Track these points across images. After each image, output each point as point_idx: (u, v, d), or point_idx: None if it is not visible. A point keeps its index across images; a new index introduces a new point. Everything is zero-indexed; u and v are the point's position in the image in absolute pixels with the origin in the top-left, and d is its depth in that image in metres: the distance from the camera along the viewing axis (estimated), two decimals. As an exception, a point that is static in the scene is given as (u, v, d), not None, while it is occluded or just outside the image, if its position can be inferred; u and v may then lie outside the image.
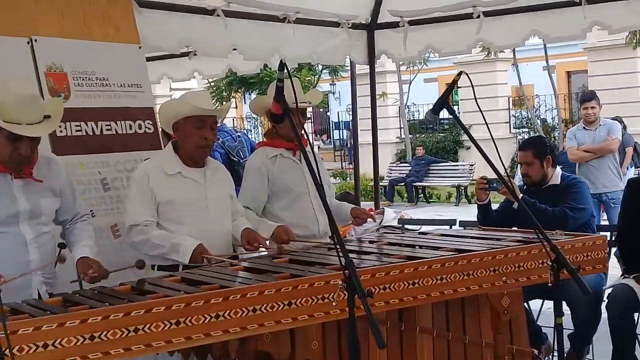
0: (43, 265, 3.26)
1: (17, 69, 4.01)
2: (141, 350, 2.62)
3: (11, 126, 3.06)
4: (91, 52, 4.41)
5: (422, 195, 18.19)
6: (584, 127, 7.55)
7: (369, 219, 4.50)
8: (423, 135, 23.53)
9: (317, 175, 2.76)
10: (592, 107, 7.49)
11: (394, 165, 20.05)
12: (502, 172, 3.38)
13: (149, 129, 4.64)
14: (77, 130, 4.24)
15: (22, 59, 4.08)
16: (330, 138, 31.19)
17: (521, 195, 4.52)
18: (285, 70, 2.91)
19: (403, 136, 22.58)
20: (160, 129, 4.71)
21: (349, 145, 28.02)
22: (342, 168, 24.65)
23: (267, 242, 3.93)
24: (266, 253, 3.77)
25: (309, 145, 3.90)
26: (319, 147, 27.24)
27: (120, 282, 3.21)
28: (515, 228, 4.54)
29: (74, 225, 3.55)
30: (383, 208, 7.58)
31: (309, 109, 4.46)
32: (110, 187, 4.35)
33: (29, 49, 4.12)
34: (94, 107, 4.33)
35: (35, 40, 4.14)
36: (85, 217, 3.62)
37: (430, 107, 3.50)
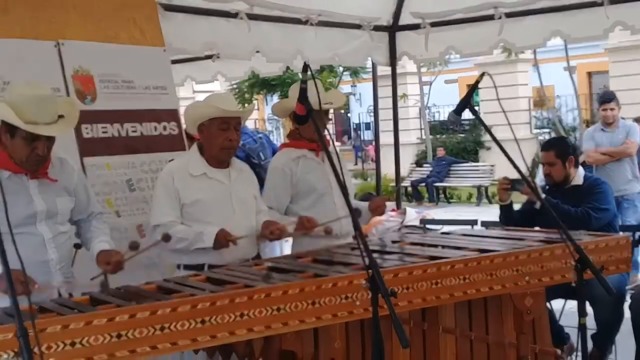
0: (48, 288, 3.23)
1: (44, 72, 4.08)
2: (167, 349, 2.65)
3: (29, 126, 3.10)
4: (117, 55, 4.47)
5: (442, 195, 18.15)
6: (602, 129, 7.33)
7: (390, 217, 4.50)
8: (444, 136, 23.47)
9: (341, 175, 2.79)
10: (612, 109, 7.25)
11: (415, 166, 20.03)
12: (524, 172, 3.38)
13: (174, 130, 4.69)
14: (103, 132, 4.30)
15: (49, 62, 4.15)
16: (351, 139, 31.19)
17: (543, 195, 4.51)
18: (309, 72, 2.94)
19: (424, 137, 22.54)
20: (184, 131, 4.76)
21: (356, 144, 27.93)
22: (363, 169, 24.65)
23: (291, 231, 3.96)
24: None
25: (332, 146, 3.92)
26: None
27: (146, 281, 3.25)
28: (538, 228, 4.53)
29: (89, 223, 3.58)
30: (405, 208, 7.59)
31: (330, 111, 4.48)
32: (136, 188, 4.40)
33: (56, 52, 4.19)
34: (120, 109, 4.39)
35: (63, 44, 4.21)
36: (99, 216, 3.65)
37: (451, 108, 3.51)
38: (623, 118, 7.63)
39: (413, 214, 6.98)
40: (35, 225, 3.27)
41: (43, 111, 3.13)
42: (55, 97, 3.27)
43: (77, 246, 3.51)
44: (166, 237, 3.43)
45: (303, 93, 2.98)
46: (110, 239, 3.58)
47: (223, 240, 3.61)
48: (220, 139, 3.74)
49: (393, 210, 7.48)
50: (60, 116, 3.21)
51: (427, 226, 5.94)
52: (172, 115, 4.68)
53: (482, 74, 3.26)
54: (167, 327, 2.62)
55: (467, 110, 3.43)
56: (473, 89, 3.43)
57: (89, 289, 3.13)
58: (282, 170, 4.22)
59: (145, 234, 4.15)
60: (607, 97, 7.45)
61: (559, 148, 4.88)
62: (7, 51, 3.99)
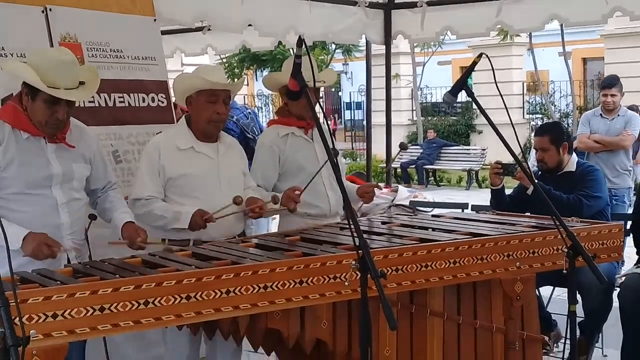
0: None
1: (32, 38, 4.00)
2: (150, 324, 2.61)
3: (51, 90, 3.11)
4: (106, 23, 4.39)
5: (432, 178, 18.15)
6: (600, 115, 6.75)
7: (381, 195, 4.45)
8: (435, 119, 23.46)
9: (332, 153, 2.73)
10: (613, 95, 6.64)
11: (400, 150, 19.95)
12: (519, 156, 3.34)
13: (162, 102, 4.62)
14: (90, 102, 4.22)
15: (36, 27, 4.07)
16: (341, 118, 31.12)
17: (536, 181, 4.47)
18: (304, 47, 2.86)
19: (415, 119, 22.51)
20: (173, 103, 4.68)
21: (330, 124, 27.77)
22: (353, 149, 24.61)
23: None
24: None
25: (325, 124, 3.86)
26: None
27: (131, 254, 3.20)
28: (528, 214, 4.50)
29: (106, 193, 3.61)
30: (397, 186, 7.55)
31: (322, 89, 4.41)
32: (122, 160, 4.35)
33: (43, 18, 4.11)
34: (108, 78, 4.30)
35: (50, 10, 4.12)
36: (115, 186, 3.68)
37: (444, 90, 3.46)
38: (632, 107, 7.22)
39: (405, 193, 6.93)
40: (50, 188, 3.29)
41: (65, 76, 3.15)
42: (77, 63, 3.27)
43: (93, 217, 3.49)
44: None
45: (297, 68, 2.92)
46: None
47: (199, 220, 3.54)
48: (209, 112, 3.67)
49: (386, 187, 7.44)
50: (81, 83, 3.24)
51: (417, 208, 5.89)
52: (161, 86, 4.61)
53: (480, 55, 3.19)
54: (152, 301, 2.58)
55: (461, 92, 3.38)
56: (470, 70, 3.37)
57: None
58: (270, 147, 4.15)
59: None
60: (609, 82, 6.85)
61: (554, 134, 4.84)
62: (-6, 15, 3.90)
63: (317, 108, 3.30)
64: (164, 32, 5.49)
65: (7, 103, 3.37)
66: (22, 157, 3.21)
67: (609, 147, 6.60)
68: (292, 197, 3.84)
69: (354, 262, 2.55)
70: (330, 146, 2.75)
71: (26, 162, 3.22)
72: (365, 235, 3.28)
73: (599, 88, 7.10)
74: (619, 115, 6.67)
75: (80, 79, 3.24)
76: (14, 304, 2.04)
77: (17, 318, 2.01)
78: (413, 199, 6.75)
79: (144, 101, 4.53)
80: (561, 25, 11.27)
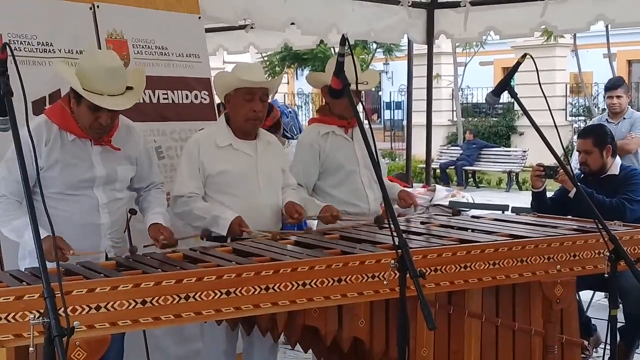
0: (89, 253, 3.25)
1: (79, 34, 4.07)
2: (191, 318, 2.65)
3: (92, 96, 3.13)
4: (152, 21, 4.45)
5: (471, 179, 18.01)
6: (606, 120, 6.33)
7: (419, 195, 4.43)
8: (476, 119, 23.26)
9: (375, 152, 2.73)
10: (618, 96, 6.27)
11: (445, 148, 19.87)
12: (561, 158, 3.31)
13: (205, 99, 4.66)
14: (134, 98, 4.27)
15: (84, 24, 4.13)
16: (380, 118, 31.03)
17: (578, 184, 4.42)
18: (347, 45, 2.87)
19: (455, 119, 22.35)
20: (215, 100, 4.73)
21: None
22: (392, 149, 24.53)
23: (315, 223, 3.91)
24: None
25: (367, 123, 3.87)
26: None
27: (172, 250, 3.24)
28: (570, 217, 4.45)
29: (148, 192, 3.63)
30: (435, 186, 7.51)
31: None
32: (165, 156, 4.40)
33: (90, 14, 4.17)
34: (152, 75, 4.36)
35: (98, 7, 4.19)
36: (160, 186, 3.70)
37: (486, 91, 3.45)
38: None
39: (443, 192, 6.88)
40: (92, 189, 3.32)
41: (111, 83, 3.16)
42: (124, 69, 3.28)
43: (132, 211, 3.55)
44: (205, 234, 3.52)
45: (340, 66, 2.92)
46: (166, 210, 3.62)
47: (237, 228, 3.56)
48: (245, 110, 3.70)
49: (423, 186, 7.41)
50: (129, 87, 3.25)
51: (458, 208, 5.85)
52: (204, 84, 4.65)
53: (524, 55, 3.18)
54: (192, 296, 2.61)
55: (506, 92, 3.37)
56: (513, 71, 3.34)
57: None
58: (310, 145, 4.17)
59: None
60: (614, 83, 6.50)
61: (597, 136, 4.78)
62: (44, 12, 3.98)
63: (359, 107, 3.33)
64: (207, 30, 5.54)
65: (56, 102, 3.41)
66: (66, 159, 3.24)
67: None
68: (328, 219, 3.84)
69: (393, 262, 2.55)
70: (372, 146, 2.76)
71: (70, 164, 3.25)
72: (404, 235, 3.30)
73: (604, 92, 6.53)
74: (624, 118, 6.32)
75: (127, 84, 3.24)
76: (59, 295, 2.08)
77: (62, 309, 2.04)
78: (452, 198, 6.70)
79: (187, 98, 4.58)
80: (606, 27, 11.09)
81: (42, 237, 2.97)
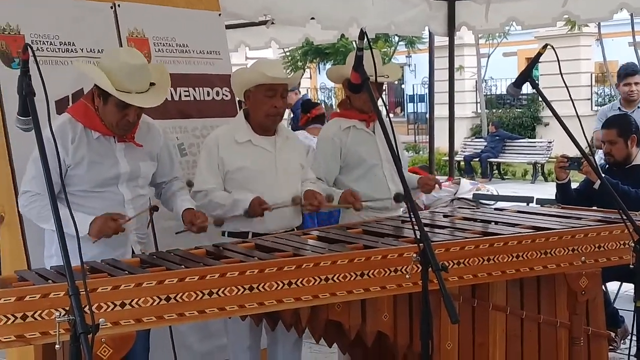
0: (139, 214, 3.40)
1: (100, 33, 4.10)
2: (214, 314, 2.66)
3: (122, 95, 3.17)
4: (172, 18, 4.47)
5: (496, 171, 17.89)
6: (619, 108, 6.17)
7: (443, 187, 4.41)
8: (500, 111, 23.09)
9: (395, 146, 2.73)
10: (637, 83, 6.10)
11: (469, 140, 19.76)
12: (585, 150, 3.27)
13: (226, 96, 4.68)
14: (157, 96, 4.29)
15: (105, 23, 4.16)
16: (404, 111, 30.93)
17: (603, 175, 4.38)
18: (366, 39, 2.87)
19: (479, 111, 22.21)
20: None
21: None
22: (416, 142, 24.44)
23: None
24: None
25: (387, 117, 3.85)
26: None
27: (195, 246, 3.26)
28: (595, 208, 4.41)
29: (170, 184, 3.68)
30: (459, 178, 7.48)
31: (385, 82, 4.40)
32: (187, 153, 4.42)
33: (112, 13, 4.20)
34: (174, 72, 4.36)
35: (119, 5, 4.22)
36: (181, 180, 3.74)
37: (509, 82, 3.41)
38: None
39: (467, 186, 6.86)
40: (117, 186, 3.37)
41: (137, 80, 3.20)
42: (147, 66, 3.33)
43: (155, 208, 3.57)
44: (218, 223, 3.55)
45: (359, 61, 2.92)
46: None
47: (257, 207, 3.58)
48: (266, 106, 3.70)
49: (448, 179, 7.37)
50: (152, 83, 3.29)
51: (480, 201, 5.82)
52: (225, 80, 4.66)
53: (545, 46, 3.15)
54: (216, 292, 2.63)
55: (526, 84, 3.34)
56: (534, 61, 3.32)
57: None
58: (331, 140, 4.17)
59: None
60: (632, 70, 6.30)
61: (621, 126, 4.73)
62: (65, 11, 4.01)
63: (380, 102, 3.31)
64: (228, 27, 5.55)
65: (78, 101, 3.44)
66: (92, 157, 3.28)
67: None
68: (349, 200, 3.86)
69: (415, 255, 2.54)
70: (392, 140, 2.75)
71: (96, 161, 3.29)
72: (427, 228, 3.30)
73: (620, 78, 6.29)
74: (639, 107, 6.14)
75: (150, 79, 3.29)
76: (84, 292, 2.09)
77: (87, 306, 2.06)
78: (476, 192, 6.67)
79: (208, 95, 4.60)
80: (631, 15, 10.92)
81: (89, 221, 3.09)
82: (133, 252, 3.37)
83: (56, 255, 3.26)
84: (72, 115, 3.32)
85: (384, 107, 3.30)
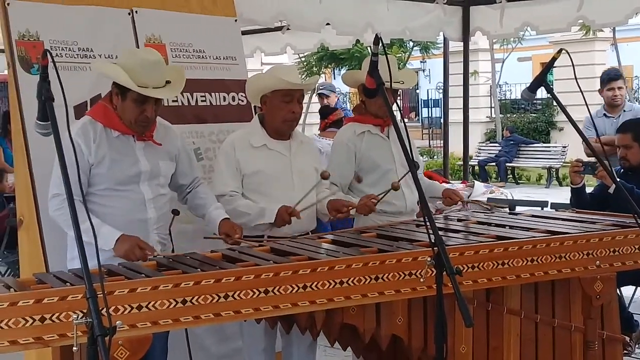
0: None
1: (118, 40, 4.15)
2: (230, 317, 2.68)
3: (141, 89, 3.24)
4: (189, 24, 4.51)
5: (511, 175, 17.83)
6: (604, 115, 6.18)
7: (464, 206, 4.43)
8: (514, 115, 23.04)
9: (409, 150, 2.74)
10: (620, 88, 6.14)
11: (483, 145, 19.72)
12: (600, 155, 3.28)
13: (242, 101, 4.71)
14: (173, 101, 4.35)
15: (123, 29, 4.21)
16: (418, 116, 30.89)
17: (617, 179, 4.37)
18: (381, 45, 2.89)
19: (494, 116, 22.16)
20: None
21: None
22: (430, 146, 24.40)
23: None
24: None
25: (401, 122, 3.87)
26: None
27: (211, 249, 3.29)
28: (610, 212, 4.40)
29: (195, 189, 3.71)
30: (473, 182, 7.47)
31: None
32: (204, 157, 4.45)
33: (129, 20, 4.25)
34: (190, 78, 4.39)
35: (136, 12, 4.26)
36: (202, 181, 3.77)
37: (524, 87, 3.42)
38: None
39: (481, 189, 6.83)
40: (138, 185, 3.42)
41: (153, 75, 3.28)
42: (163, 62, 3.40)
43: (175, 212, 3.61)
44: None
45: (373, 66, 2.94)
46: None
47: (285, 215, 3.61)
48: (284, 112, 3.73)
49: (462, 182, 7.36)
50: (167, 82, 3.36)
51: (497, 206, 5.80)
52: (241, 85, 4.68)
53: (560, 51, 3.16)
54: (231, 295, 2.64)
55: (540, 89, 3.34)
56: (549, 66, 3.33)
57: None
58: (346, 145, 4.19)
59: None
60: (615, 74, 6.32)
61: (636, 130, 4.72)
62: (83, 18, 4.06)
63: (395, 107, 3.34)
64: (244, 32, 5.59)
65: (97, 103, 3.50)
66: (113, 155, 3.34)
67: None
68: (369, 205, 3.86)
69: (429, 259, 2.56)
70: (407, 145, 2.77)
71: (117, 159, 3.35)
72: (441, 233, 3.29)
73: (603, 84, 6.29)
74: (624, 111, 6.13)
75: (166, 77, 3.35)
76: (102, 295, 2.11)
77: (105, 309, 2.08)
78: (490, 195, 6.65)
79: (224, 100, 4.64)
80: (647, 19, 10.87)
81: (117, 237, 3.12)
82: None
83: (77, 259, 3.29)
84: (92, 116, 3.39)
85: (398, 112, 3.32)
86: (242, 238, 3.45)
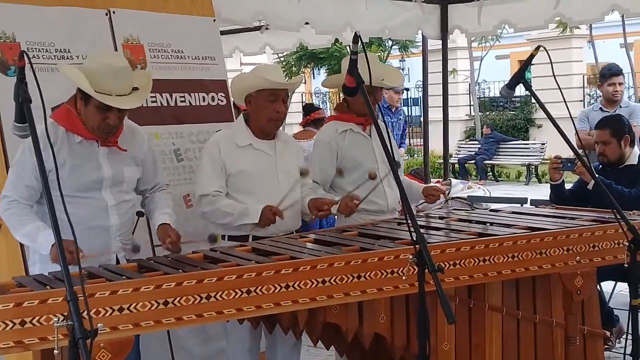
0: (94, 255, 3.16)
1: (96, 40, 4.11)
2: (212, 317, 2.67)
3: (102, 97, 3.13)
4: (167, 25, 4.48)
5: (490, 173, 17.94)
6: (600, 108, 6.22)
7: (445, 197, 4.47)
8: (493, 113, 23.17)
9: (390, 149, 2.75)
10: (620, 84, 6.22)
11: (463, 142, 19.82)
12: (578, 151, 3.30)
13: (222, 101, 4.70)
14: (152, 102, 4.32)
15: (100, 30, 4.18)
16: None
17: (596, 175, 4.41)
18: (360, 44, 2.89)
19: (473, 114, 22.28)
20: (232, 102, 4.76)
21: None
22: (410, 145, 24.45)
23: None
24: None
25: (381, 120, 3.88)
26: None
27: (192, 250, 3.27)
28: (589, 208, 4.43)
29: (153, 194, 3.62)
30: (450, 179, 7.51)
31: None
32: (184, 158, 4.43)
33: (107, 20, 4.22)
34: (169, 78, 4.40)
35: (114, 12, 4.23)
36: (164, 187, 3.69)
37: (502, 84, 3.44)
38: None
39: (459, 186, 6.87)
40: (100, 191, 3.32)
41: (118, 82, 3.16)
42: (130, 69, 3.30)
43: (140, 214, 3.56)
44: (212, 238, 3.62)
45: (353, 64, 2.94)
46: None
47: (270, 215, 3.59)
48: (269, 111, 3.73)
49: (438, 181, 7.41)
50: (135, 88, 3.25)
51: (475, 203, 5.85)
52: (220, 85, 4.68)
53: (537, 48, 3.18)
54: (213, 296, 2.63)
55: (519, 86, 3.36)
56: (527, 63, 3.35)
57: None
58: (327, 143, 4.19)
59: (192, 203, 4.17)
60: (616, 70, 6.36)
61: (614, 126, 4.76)
62: (61, 19, 4.03)
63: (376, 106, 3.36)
64: (222, 32, 5.57)
65: (61, 106, 3.38)
66: (74, 161, 3.23)
67: None
68: (350, 206, 3.86)
69: (411, 257, 2.57)
70: (387, 143, 2.78)
71: (78, 165, 3.24)
72: (422, 230, 3.30)
73: (603, 79, 6.36)
74: (621, 107, 6.19)
75: (133, 84, 3.24)
76: (82, 298, 2.09)
77: (86, 311, 2.06)
78: (468, 191, 6.70)
79: (204, 100, 4.62)
80: (622, 16, 10.99)
81: (52, 242, 3.02)
82: (117, 260, 3.33)
83: (39, 262, 3.24)
84: (55, 119, 3.27)
85: (379, 111, 3.32)
86: (178, 243, 3.32)
